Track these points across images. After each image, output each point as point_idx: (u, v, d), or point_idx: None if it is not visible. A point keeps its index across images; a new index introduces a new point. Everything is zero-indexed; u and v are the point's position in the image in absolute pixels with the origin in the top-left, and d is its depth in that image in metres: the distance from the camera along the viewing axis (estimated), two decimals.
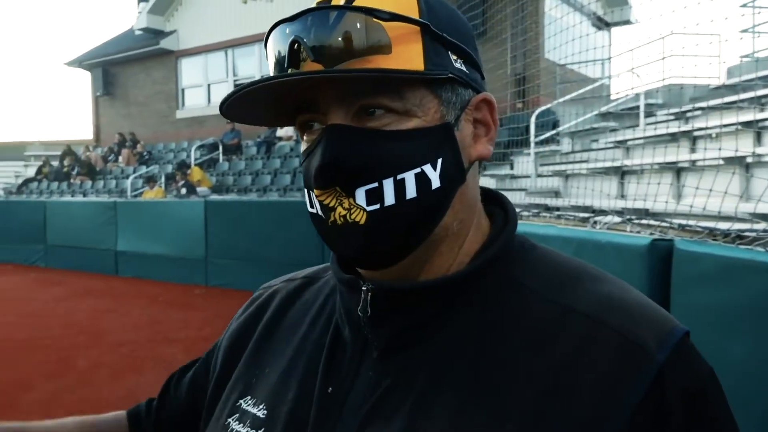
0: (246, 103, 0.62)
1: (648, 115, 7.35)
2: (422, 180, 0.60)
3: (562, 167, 6.98)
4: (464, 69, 0.65)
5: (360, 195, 0.60)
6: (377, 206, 0.59)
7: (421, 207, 0.61)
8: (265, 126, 0.71)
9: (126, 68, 18.06)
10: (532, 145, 7.48)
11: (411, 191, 0.60)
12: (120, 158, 15.94)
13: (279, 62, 0.62)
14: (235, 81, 15.97)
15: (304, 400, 0.66)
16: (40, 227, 12.02)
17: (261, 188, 11.73)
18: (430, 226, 0.63)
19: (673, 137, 5.34)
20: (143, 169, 14.44)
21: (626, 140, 6.30)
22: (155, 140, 17.00)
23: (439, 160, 0.61)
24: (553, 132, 8.44)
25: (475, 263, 0.65)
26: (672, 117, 6.63)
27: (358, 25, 0.58)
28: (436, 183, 0.61)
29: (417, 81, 0.60)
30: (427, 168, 0.60)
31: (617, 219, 2.21)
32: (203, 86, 16.63)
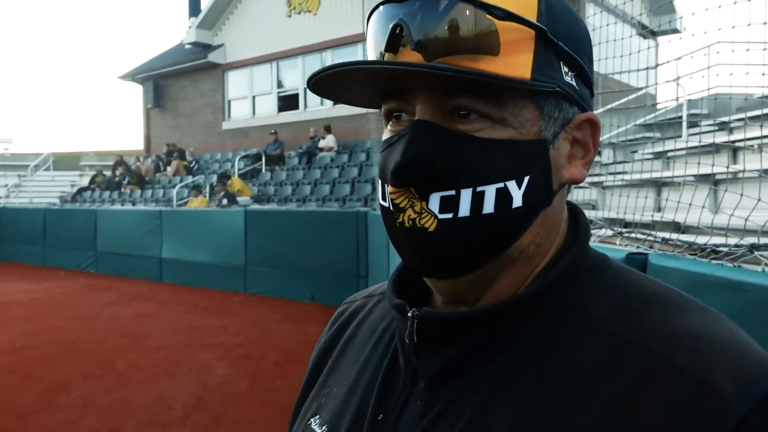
0: (335, 82, 0.58)
1: (692, 125, 7.15)
2: (503, 196, 0.55)
3: (600, 179, 6.85)
4: (574, 83, 0.59)
5: (434, 201, 0.55)
6: (450, 215, 0.55)
7: (496, 225, 0.56)
8: (352, 105, 0.66)
9: (175, 81, 18.64)
10: None
11: (489, 206, 0.55)
12: (168, 168, 16.42)
13: (377, 44, 0.58)
14: (279, 93, 16.28)
15: (358, 424, 0.64)
16: (90, 235, 12.48)
17: (300, 198, 11.90)
18: (501, 246, 0.58)
19: (714, 148, 5.17)
20: (189, 179, 14.83)
21: (665, 151, 6.14)
22: (202, 151, 17.46)
23: (526, 178, 0.56)
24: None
25: (528, 290, 0.59)
26: (716, 127, 6.43)
27: (469, 18, 0.53)
28: (517, 202, 0.56)
29: (520, 90, 0.55)
30: (511, 185, 0.56)
31: (609, 232, 2.16)
32: (248, 98, 17.01)
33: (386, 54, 0.57)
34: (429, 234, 0.56)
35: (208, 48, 17.39)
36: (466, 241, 0.56)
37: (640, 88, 9.52)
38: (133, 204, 14.65)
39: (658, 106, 8.84)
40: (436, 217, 0.56)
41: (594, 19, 9.33)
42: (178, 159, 16.35)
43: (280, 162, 14.50)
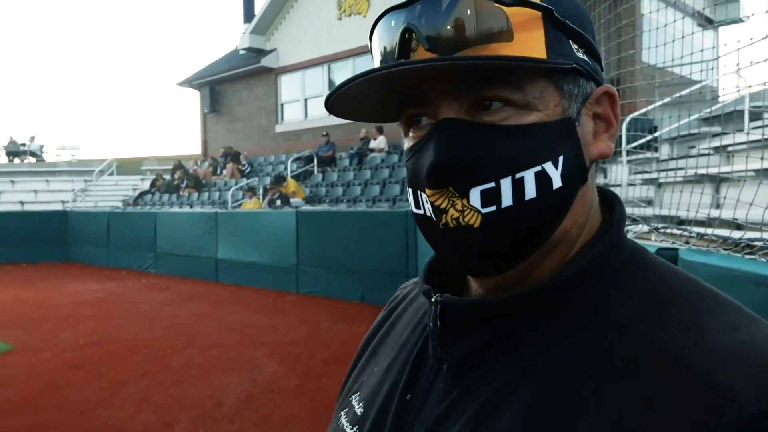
0: (350, 98, 0.58)
1: (754, 118, 6.84)
2: (543, 179, 0.55)
3: (655, 175, 6.63)
4: (586, 59, 0.59)
5: (474, 195, 0.55)
6: (493, 208, 0.55)
7: (541, 209, 0.56)
8: (369, 122, 0.67)
9: (230, 86, 19.11)
10: (624, 152, 7.16)
11: (531, 191, 0.55)
12: (224, 171, 16.84)
13: (388, 53, 0.58)
14: None
15: (389, 403, 0.66)
16: (151, 236, 12.95)
17: (351, 199, 11.99)
18: (549, 230, 0.57)
19: None
20: (243, 182, 15.17)
21: (725, 145, 5.89)
22: (256, 154, 17.83)
23: (561, 158, 0.56)
24: (649, 138, 8.03)
25: (551, 280, 0.58)
26: None
27: (477, 9, 0.54)
28: (557, 182, 0.56)
29: (538, 72, 0.56)
30: (548, 166, 0.55)
31: (646, 228, 2.08)
32: (300, 101, 17.27)
33: (399, 60, 0.57)
34: (474, 230, 0.56)
35: (261, 53, 17.75)
36: (513, 231, 0.56)
37: (699, 81, 9.15)
38: (191, 206, 15.10)
39: (719, 99, 8.48)
40: (479, 212, 0.55)
41: (650, 10, 9.04)
42: (233, 162, 16.75)
43: (332, 163, 14.66)
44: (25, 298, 9.52)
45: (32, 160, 23.18)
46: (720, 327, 0.51)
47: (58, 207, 17.56)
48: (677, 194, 5.19)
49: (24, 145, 23.30)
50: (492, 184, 0.55)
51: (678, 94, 8.19)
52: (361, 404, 0.70)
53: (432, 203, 0.57)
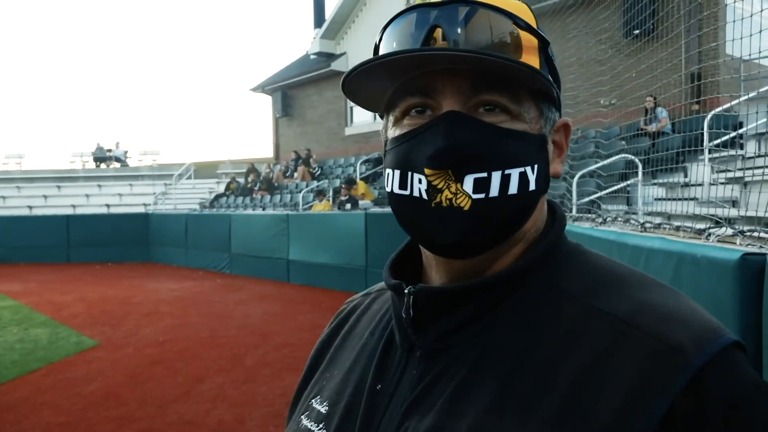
0: (366, 80, 0.66)
1: None
2: (524, 179, 0.64)
3: (740, 174, 6.26)
4: (557, 92, 0.68)
5: (468, 182, 0.62)
6: (482, 195, 0.62)
7: (518, 204, 0.64)
8: (366, 109, 0.75)
9: (302, 90, 19.50)
10: (706, 149, 6.81)
11: (513, 188, 0.63)
12: (295, 174, 17.20)
13: (408, 43, 0.65)
14: None
15: (357, 396, 0.70)
16: (225, 238, 13.38)
17: None
18: (519, 225, 0.66)
19: None
20: (314, 184, 15.44)
21: None
22: (327, 156, 18.12)
23: (536, 166, 0.65)
24: (734, 134, 7.61)
25: (511, 267, 0.67)
26: None
27: (500, 25, 0.63)
28: (533, 185, 0.65)
29: (530, 91, 0.65)
30: (528, 170, 0.64)
31: (730, 231, 1.93)
32: None
33: (432, 47, 0.63)
34: (464, 212, 0.62)
35: (331, 57, 18.03)
36: (495, 218, 0.63)
37: None
38: (263, 209, 15.49)
39: None
40: (470, 197, 0.62)
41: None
42: (304, 165, 17.08)
43: None
44: (110, 296, 10.04)
45: (117, 165, 24.43)
46: (655, 296, 0.62)
47: (141, 210, 18.44)
48: (765, 194, 4.88)
49: (110, 151, 24.59)
50: (485, 174, 0.62)
51: (766, 87, 7.71)
52: (324, 404, 0.74)
53: (429, 182, 0.63)
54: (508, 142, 0.63)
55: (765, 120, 7.40)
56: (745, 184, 5.89)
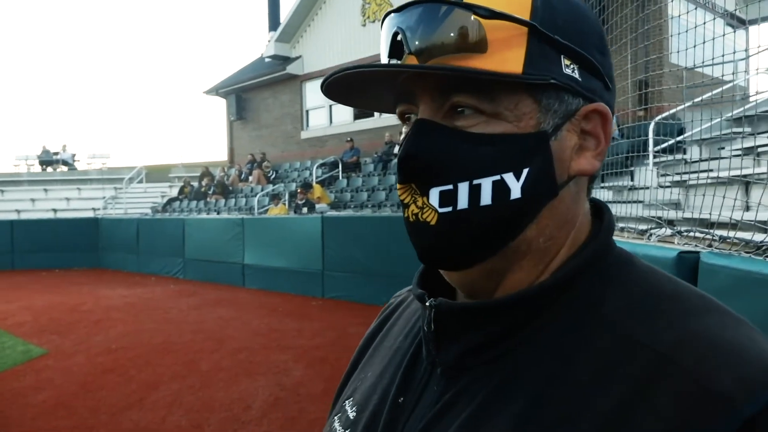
0: (348, 87, 0.62)
1: None
2: (500, 188, 0.57)
3: (683, 177, 6.54)
4: (576, 76, 0.59)
5: (433, 195, 0.58)
6: (449, 209, 0.58)
7: (495, 216, 0.58)
8: (370, 110, 0.71)
9: (257, 94, 19.34)
10: (651, 154, 7.07)
11: (486, 198, 0.57)
12: (250, 178, 17.03)
13: (384, 52, 0.63)
14: None
15: (381, 406, 0.68)
16: (179, 242, 13.14)
17: (376, 204, 12.03)
18: (503, 237, 0.59)
19: None
20: (269, 188, 15.32)
21: (756, 146, 5.79)
22: (282, 160, 18.01)
23: (525, 170, 0.58)
24: (677, 140, 7.92)
25: (543, 283, 0.60)
26: None
27: (455, 20, 0.56)
28: (516, 194, 0.57)
29: (515, 84, 0.57)
30: (508, 176, 0.57)
31: (669, 231, 2.06)
32: (325, 107, 17.39)
33: (390, 60, 0.61)
34: (431, 227, 0.59)
35: (286, 60, 17.94)
36: (466, 232, 0.58)
37: (729, 81, 8.98)
38: (218, 213, 15.29)
39: (750, 99, 8.32)
40: (436, 211, 0.58)
41: (678, 9, 8.92)
42: (259, 168, 16.93)
43: (357, 169, 14.72)
44: (59, 303, 9.74)
45: (64, 168, 23.69)
46: (710, 324, 0.53)
47: (90, 214, 17.94)
48: (705, 197, 5.12)
49: (56, 154, 23.83)
50: (450, 186, 0.57)
51: (708, 95, 8.06)
52: (354, 408, 0.72)
53: (399, 197, 0.61)
54: (477, 148, 0.57)
55: (706, 126, 7.73)
56: (688, 187, 6.15)
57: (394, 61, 0.61)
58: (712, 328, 0.52)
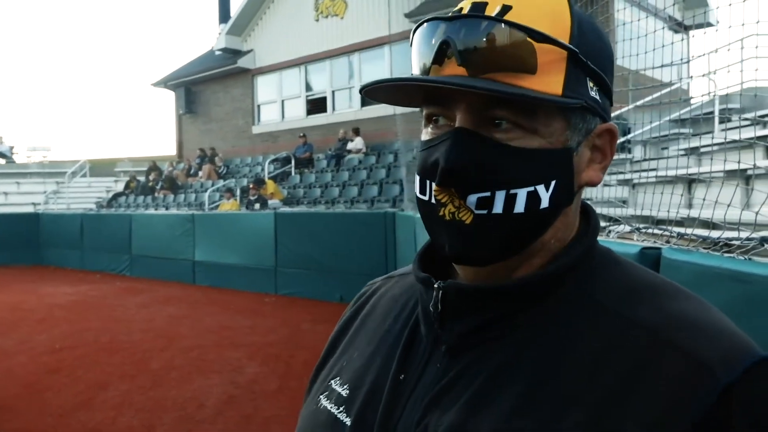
0: (385, 88, 0.66)
1: (724, 120, 7.03)
2: (533, 198, 0.62)
3: (629, 176, 6.78)
4: (597, 97, 0.65)
5: (472, 200, 0.62)
6: (484, 212, 0.62)
7: (525, 223, 0.63)
8: (395, 105, 0.74)
9: (206, 87, 18.96)
10: None
11: (520, 207, 0.62)
12: (200, 173, 16.71)
13: (422, 56, 0.65)
14: (308, 96, 16.43)
15: (380, 383, 0.71)
16: (126, 238, 12.78)
17: (329, 200, 11.99)
18: (529, 240, 0.65)
19: (748, 144, 5.08)
20: (220, 183, 15.07)
21: (697, 147, 6.05)
22: (233, 155, 17.73)
23: (553, 182, 0.63)
24: (623, 140, 8.19)
25: (541, 272, 0.66)
26: (748, 122, 6.31)
27: (510, 40, 0.60)
28: (545, 203, 0.63)
29: (551, 104, 0.62)
30: (540, 188, 0.62)
31: (627, 228, 2.16)
32: (277, 102, 17.21)
33: (432, 66, 0.64)
34: (465, 226, 0.63)
35: (237, 54, 17.65)
36: (497, 234, 0.63)
37: (672, 84, 9.33)
38: (167, 208, 14.94)
39: (691, 102, 8.66)
40: (472, 212, 0.63)
41: (623, 13, 9.21)
42: (210, 163, 16.62)
43: (309, 165, 14.64)
44: None
45: (2, 161, 22.71)
46: (688, 308, 0.62)
47: (30, 209, 17.24)
48: (650, 195, 5.32)
49: None
50: (488, 194, 0.62)
51: (650, 97, 8.36)
52: (345, 386, 0.74)
53: (435, 196, 0.65)
54: (516, 161, 0.62)
55: (651, 127, 8.02)
56: (634, 185, 6.38)
57: (434, 66, 0.63)
58: (692, 311, 0.62)
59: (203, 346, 6.42)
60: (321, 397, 0.77)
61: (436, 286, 0.68)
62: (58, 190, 19.20)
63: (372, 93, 0.68)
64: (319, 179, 13.57)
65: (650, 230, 2.07)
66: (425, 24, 0.65)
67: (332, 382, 0.77)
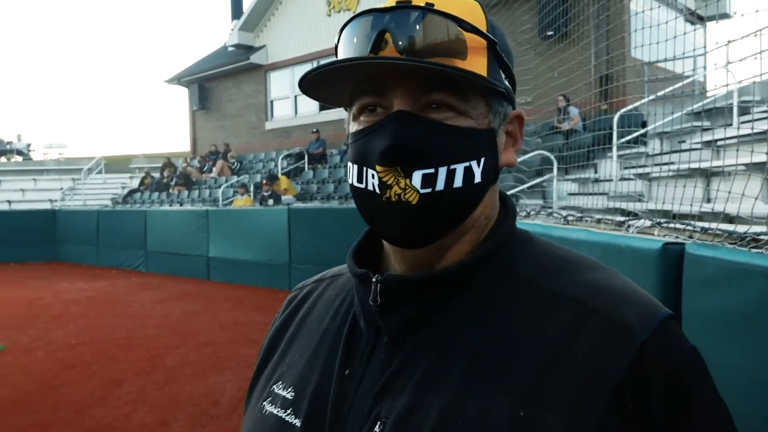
0: (320, 81, 0.69)
1: (743, 113, 6.90)
2: (468, 173, 0.68)
3: (646, 170, 6.68)
4: (509, 86, 0.73)
5: (416, 177, 0.66)
6: (429, 190, 0.66)
7: (463, 196, 0.68)
8: (326, 104, 0.77)
9: (219, 83, 19.00)
10: (614, 147, 7.19)
11: (458, 181, 0.67)
12: (213, 169, 16.76)
13: (360, 47, 0.68)
14: None
15: (325, 381, 0.72)
16: (141, 235, 12.87)
17: (343, 195, 11.98)
18: (466, 215, 0.70)
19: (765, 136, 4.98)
20: (234, 179, 15.11)
21: (715, 140, 5.94)
22: (246, 151, 17.76)
23: (483, 159, 0.69)
24: (639, 133, 8.07)
25: (472, 255, 0.71)
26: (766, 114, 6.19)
27: (445, 29, 0.66)
28: (478, 178, 0.69)
29: (479, 88, 0.68)
30: (474, 164, 0.68)
31: (648, 223, 2.10)
32: (290, 98, 17.21)
33: (369, 55, 0.66)
34: (413, 206, 0.66)
35: (250, 50, 17.66)
36: (441, 211, 0.68)
37: (688, 76, 9.19)
38: (181, 204, 15.00)
39: (708, 94, 8.53)
40: (418, 192, 0.66)
41: (639, 4, 9.08)
42: (223, 160, 16.67)
43: (323, 160, 14.63)
44: (16, 298, 9.44)
45: (19, 158, 22.95)
46: (604, 277, 0.69)
47: (46, 206, 17.40)
48: (668, 189, 5.23)
49: (10, 143, 23.05)
50: (432, 170, 0.66)
51: (668, 89, 8.23)
52: (290, 389, 0.75)
53: (380, 179, 0.67)
54: (454, 138, 0.67)
55: (667, 120, 7.90)
56: (650, 179, 6.28)
57: (371, 56, 0.66)
58: (608, 279, 0.69)
59: (218, 342, 6.44)
60: (264, 403, 0.77)
61: (374, 280, 0.71)
62: (74, 186, 19.35)
63: (307, 87, 0.70)
64: (333, 175, 13.55)
65: (672, 225, 2.01)
66: (360, 17, 0.69)
67: (274, 387, 0.78)
